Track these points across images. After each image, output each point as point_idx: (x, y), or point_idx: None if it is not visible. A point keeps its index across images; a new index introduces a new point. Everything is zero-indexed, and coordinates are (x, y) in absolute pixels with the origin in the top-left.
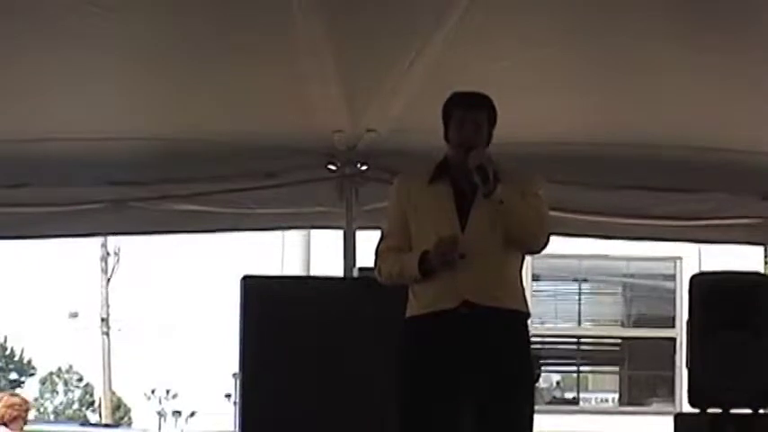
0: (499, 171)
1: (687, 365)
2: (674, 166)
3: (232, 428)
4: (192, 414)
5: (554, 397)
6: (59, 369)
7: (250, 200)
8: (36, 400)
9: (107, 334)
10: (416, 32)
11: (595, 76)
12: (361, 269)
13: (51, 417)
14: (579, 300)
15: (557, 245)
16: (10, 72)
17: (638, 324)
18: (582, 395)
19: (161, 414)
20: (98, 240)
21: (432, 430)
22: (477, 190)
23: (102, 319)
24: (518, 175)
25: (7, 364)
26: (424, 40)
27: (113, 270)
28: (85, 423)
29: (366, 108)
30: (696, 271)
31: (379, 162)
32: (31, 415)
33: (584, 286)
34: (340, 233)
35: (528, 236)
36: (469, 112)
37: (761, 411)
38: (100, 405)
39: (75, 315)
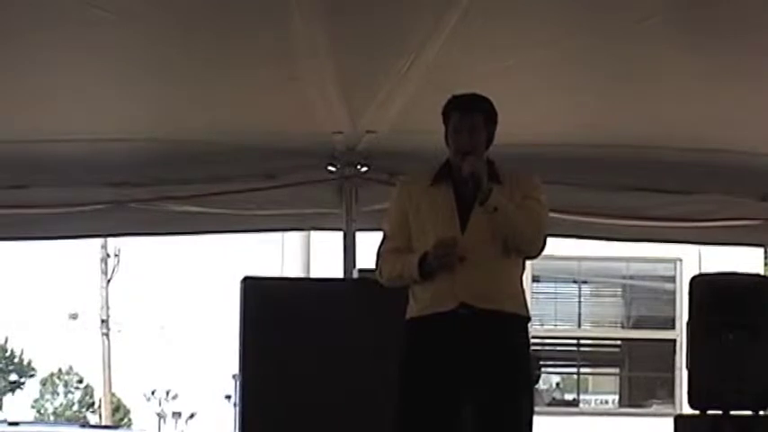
0: (498, 174)
1: (687, 367)
2: (674, 168)
3: (232, 430)
4: (192, 415)
5: (554, 398)
6: (59, 370)
7: (250, 201)
8: (36, 401)
9: (107, 335)
10: (415, 33)
11: (595, 77)
12: (360, 270)
13: (51, 418)
14: (579, 301)
15: (556, 246)
16: (10, 73)
17: (637, 325)
18: (582, 397)
19: (161, 415)
20: (98, 242)
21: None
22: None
23: (102, 321)
24: (518, 178)
25: (7, 366)
26: (423, 41)
27: (113, 271)
28: (85, 424)
29: (365, 109)
30: (696, 272)
31: (379, 163)
32: (32, 416)
33: (584, 288)
34: (340, 234)
35: (523, 242)
36: (465, 116)
37: (761, 413)
38: (100, 406)
39: (75, 316)
